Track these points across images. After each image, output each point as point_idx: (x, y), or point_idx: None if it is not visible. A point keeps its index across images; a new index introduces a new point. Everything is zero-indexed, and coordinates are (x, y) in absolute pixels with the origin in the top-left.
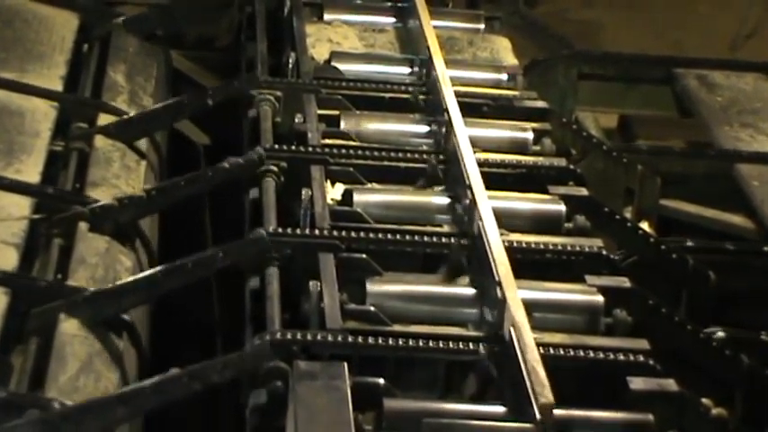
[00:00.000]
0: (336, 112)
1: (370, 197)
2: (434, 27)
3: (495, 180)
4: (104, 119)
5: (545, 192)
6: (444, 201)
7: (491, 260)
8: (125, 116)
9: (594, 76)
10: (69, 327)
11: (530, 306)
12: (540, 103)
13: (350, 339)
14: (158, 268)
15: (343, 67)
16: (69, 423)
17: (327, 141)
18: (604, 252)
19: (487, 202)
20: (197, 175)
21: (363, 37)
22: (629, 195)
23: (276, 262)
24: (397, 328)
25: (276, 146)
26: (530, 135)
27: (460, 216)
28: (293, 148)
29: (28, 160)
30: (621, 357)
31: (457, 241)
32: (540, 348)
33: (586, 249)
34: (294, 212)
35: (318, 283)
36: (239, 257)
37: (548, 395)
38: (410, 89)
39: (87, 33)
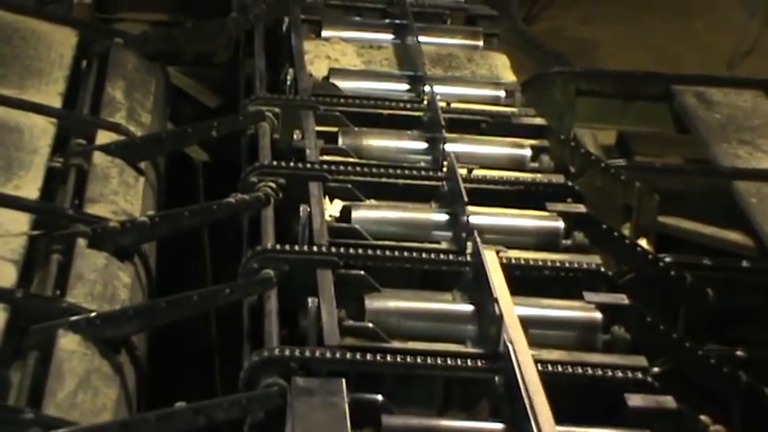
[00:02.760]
0: (335, 129)
1: (368, 213)
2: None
3: (493, 197)
4: (103, 135)
5: (543, 208)
6: (442, 217)
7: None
8: (128, 136)
9: (592, 92)
10: (68, 343)
11: (528, 323)
12: (539, 120)
13: (348, 356)
14: (163, 299)
15: (341, 83)
16: None
17: (326, 158)
18: (602, 269)
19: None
20: (202, 208)
21: (361, 53)
22: (627, 212)
23: (274, 279)
24: (395, 344)
25: (274, 162)
26: (528, 152)
27: (458, 233)
28: (291, 164)
29: (27, 176)
30: (619, 374)
31: (455, 258)
32: (538, 365)
33: (584, 266)
34: (292, 229)
35: (316, 300)
36: (245, 295)
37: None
38: (408, 105)
39: (86, 50)
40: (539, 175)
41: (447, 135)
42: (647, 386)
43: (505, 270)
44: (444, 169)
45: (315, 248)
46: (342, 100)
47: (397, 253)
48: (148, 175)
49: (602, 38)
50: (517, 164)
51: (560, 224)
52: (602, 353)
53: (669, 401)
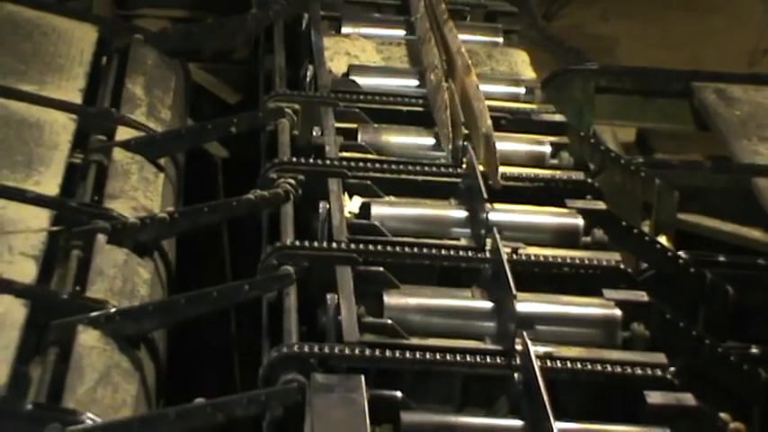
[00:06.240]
0: (354, 125)
1: (387, 210)
2: None
3: (512, 193)
4: (123, 131)
5: (563, 205)
6: (461, 214)
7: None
8: (147, 133)
9: (612, 89)
10: (87, 338)
11: (547, 320)
12: (558, 117)
13: (367, 352)
14: (182, 295)
15: (360, 80)
16: None
17: (345, 154)
18: (622, 266)
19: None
20: (221, 204)
21: (381, 50)
22: (646, 209)
23: (293, 275)
24: (414, 341)
25: (294, 159)
26: (547, 149)
27: (477, 229)
28: (311, 161)
29: (47, 172)
30: (639, 371)
31: (474, 254)
32: (558, 362)
33: (604, 263)
34: (312, 225)
35: (336, 296)
36: (265, 292)
37: None
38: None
39: (106, 46)
40: (558, 172)
41: (466, 131)
42: (666, 383)
43: (525, 267)
44: (464, 166)
45: (334, 245)
46: (361, 96)
47: (416, 249)
48: (168, 172)
49: (622, 35)
50: (536, 161)
51: (580, 221)
52: (621, 350)
53: (689, 399)
